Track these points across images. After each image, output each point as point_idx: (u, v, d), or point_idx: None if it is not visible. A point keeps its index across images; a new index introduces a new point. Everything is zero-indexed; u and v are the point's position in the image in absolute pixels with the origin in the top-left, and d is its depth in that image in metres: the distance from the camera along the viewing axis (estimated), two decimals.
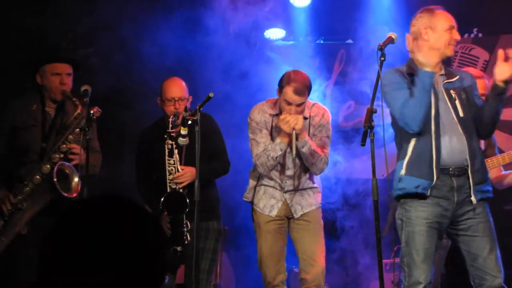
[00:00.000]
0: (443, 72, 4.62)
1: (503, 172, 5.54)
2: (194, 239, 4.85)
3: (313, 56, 8.03)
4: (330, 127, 5.56)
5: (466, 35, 8.12)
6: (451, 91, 4.56)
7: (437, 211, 4.39)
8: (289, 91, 5.28)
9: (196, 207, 4.78)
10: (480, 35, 8.09)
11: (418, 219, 4.36)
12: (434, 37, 4.56)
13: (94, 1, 6.90)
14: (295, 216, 5.47)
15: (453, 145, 4.43)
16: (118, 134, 7.06)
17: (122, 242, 1.77)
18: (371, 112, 4.23)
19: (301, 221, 5.51)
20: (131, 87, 6.95)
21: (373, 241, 4.35)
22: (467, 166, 4.42)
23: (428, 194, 4.37)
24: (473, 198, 4.43)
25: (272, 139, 5.41)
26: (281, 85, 5.32)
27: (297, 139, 5.18)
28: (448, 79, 4.60)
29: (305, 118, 5.43)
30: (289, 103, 5.29)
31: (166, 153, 5.31)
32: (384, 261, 6.90)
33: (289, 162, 5.44)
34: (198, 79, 6.10)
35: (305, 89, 5.32)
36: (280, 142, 5.31)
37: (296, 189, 5.50)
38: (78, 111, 5.09)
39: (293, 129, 5.14)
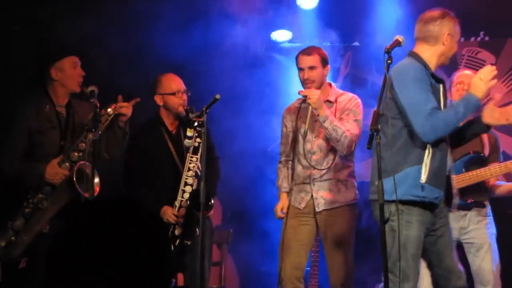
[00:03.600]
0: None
1: (497, 182, 5.54)
2: (200, 239, 4.85)
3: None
4: (359, 112, 5.52)
5: (472, 38, 8.11)
6: None
7: (430, 216, 4.41)
8: (298, 56, 5.52)
9: (202, 209, 4.79)
10: (486, 38, 8.07)
11: (418, 223, 4.34)
12: (450, 45, 4.56)
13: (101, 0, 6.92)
14: (317, 209, 5.43)
15: (447, 154, 4.48)
16: None
17: (130, 244, 1.78)
18: (377, 115, 4.21)
19: (329, 218, 5.44)
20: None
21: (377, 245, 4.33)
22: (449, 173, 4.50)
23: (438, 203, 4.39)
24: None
25: (297, 124, 5.52)
26: (296, 63, 5.53)
27: (318, 114, 5.23)
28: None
29: (330, 102, 5.48)
30: (301, 69, 5.46)
31: (191, 150, 5.31)
32: None
33: (314, 146, 5.50)
34: (203, 80, 6.11)
35: (314, 50, 5.53)
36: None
37: (321, 181, 5.47)
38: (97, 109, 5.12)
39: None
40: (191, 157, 5.31)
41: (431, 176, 4.31)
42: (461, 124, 4.48)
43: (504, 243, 5.62)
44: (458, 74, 5.65)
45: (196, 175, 5.33)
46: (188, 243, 5.21)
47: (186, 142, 5.05)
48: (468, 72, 5.62)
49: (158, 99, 5.59)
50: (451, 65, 7.81)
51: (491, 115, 4.52)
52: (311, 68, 5.44)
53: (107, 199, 1.88)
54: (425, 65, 4.48)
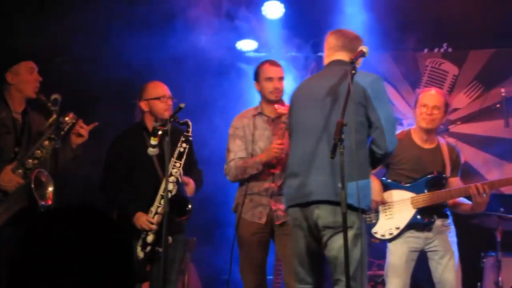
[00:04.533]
0: None
1: (460, 200, 5.60)
2: (163, 250, 4.82)
3: (285, 68, 8.05)
4: None
5: (436, 50, 8.19)
6: None
7: None
8: (266, 66, 5.59)
9: (165, 219, 4.76)
10: (450, 49, 8.17)
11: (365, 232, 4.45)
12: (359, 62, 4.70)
13: (69, 3, 6.89)
14: (276, 222, 5.47)
15: None
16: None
17: (91, 252, 1.77)
18: (341, 125, 4.22)
19: (284, 232, 5.45)
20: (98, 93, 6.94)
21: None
22: None
23: None
24: None
25: (254, 139, 5.51)
26: (257, 71, 5.61)
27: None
28: None
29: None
30: (270, 78, 5.53)
31: (175, 155, 5.30)
32: None
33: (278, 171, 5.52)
34: (169, 88, 6.09)
35: (279, 63, 5.65)
36: (260, 162, 5.36)
37: (280, 195, 5.46)
38: (54, 117, 5.08)
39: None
40: (175, 162, 5.30)
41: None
42: None
43: (465, 252, 5.67)
44: (422, 93, 5.67)
45: (177, 182, 5.31)
46: (160, 250, 5.18)
47: (150, 150, 5.02)
48: (432, 92, 5.65)
49: (143, 105, 5.56)
50: (415, 76, 7.93)
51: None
52: (281, 79, 5.53)
53: (67, 206, 1.87)
54: None
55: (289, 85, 5.69)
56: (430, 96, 5.58)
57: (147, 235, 5.25)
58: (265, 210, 5.50)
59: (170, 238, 5.04)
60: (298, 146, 4.58)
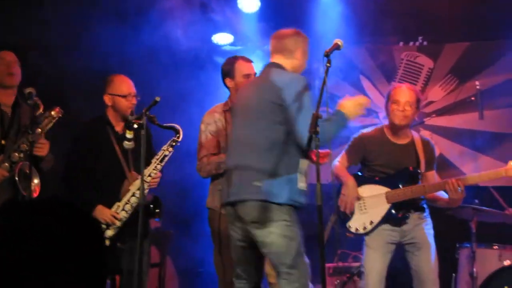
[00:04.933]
0: None
1: (438, 194, 5.62)
2: (138, 242, 4.81)
3: (261, 61, 8.06)
4: None
5: (411, 43, 8.24)
6: None
7: None
8: (242, 63, 5.57)
9: (141, 210, 4.76)
10: (425, 43, 8.21)
11: (297, 224, 4.59)
12: (302, 62, 4.94)
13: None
14: None
15: None
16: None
17: (61, 244, 1.77)
18: (316, 117, 4.26)
19: None
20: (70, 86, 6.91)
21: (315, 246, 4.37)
22: None
23: None
24: None
25: (227, 133, 5.48)
26: (232, 68, 5.54)
27: None
28: None
29: None
30: (248, 75, 5.51)
31: (159, 158, 5.36)
32: (327, 265, 6.96)
33: None
34: (144, 82, 6.06)
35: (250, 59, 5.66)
36: None
37: None
38: (41, 110, 5.07)
39: None
40: (157, 164, 5.32)
41: (306, 183, 4.64)
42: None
43: (440, 243, 5.71)
44: (394, 89, 5.68)
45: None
46: (120, 245, 5.19)
47: (126, 144, 5.00)
48: (404, 88, 5.66)
49: (107, 99, 5.53)
50: (390, 69, 7.97)
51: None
52: (254, 75, 5.54)
53: (40, 199, 1.87)
54: None
55: None
56: (402, 92, 5.59)
57: (107, 229, 5.27)
58: None
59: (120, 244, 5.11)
60: (229, 148, 4.96)
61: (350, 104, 4.70)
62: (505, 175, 5.36)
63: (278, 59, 4.83)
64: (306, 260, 4.62)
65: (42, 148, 5.20)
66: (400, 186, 5.49)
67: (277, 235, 4.51)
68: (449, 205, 5.60)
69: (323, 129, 4.29)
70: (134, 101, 5.52)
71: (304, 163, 4.60)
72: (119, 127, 5.57)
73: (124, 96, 5.48)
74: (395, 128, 5.60)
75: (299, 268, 4.55)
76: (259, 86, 4.79)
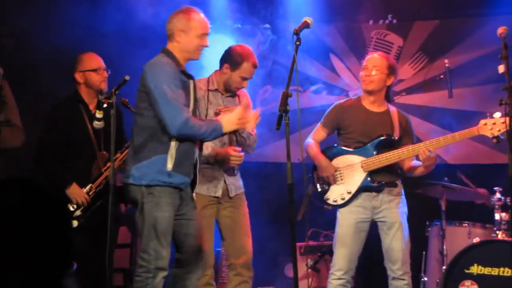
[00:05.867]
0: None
1: (413, 163, 5.62)
2: (108, 224, 4.79)
3: (230, 40, 8.03)
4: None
5: (381, 21, 8.23)
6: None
7: (178, 199, 4.79)
8: (249, 66, 5.48)
9: (111, 191, 4.74)
10: (394, 21, 8.21)
11: (167, 205, 4.69)
12: (186, 40, 4.81)
13: None
14: (230, 195, 5.55)
15: (195, 146, 4.86)
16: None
17: (27, 226, 1.74)
18: (286, 96, 4.27)
19: (233, 205, 5.60)
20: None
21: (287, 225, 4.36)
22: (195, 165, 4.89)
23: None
24: (194, 194, 4.94)
25: (207, 114, 5.44)
26: (236, 62, 5.45)
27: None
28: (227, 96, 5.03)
29: (235, 95, 5.54)
30: (245, 78, 5.48)
31: None
32: (298, 244, 6.98)
33: (227, 142, 5.55)
34: (114, 61, 6.01)
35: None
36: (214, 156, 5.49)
37: (231, 170, 5.59)
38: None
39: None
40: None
41: (177, 164, 4.66)
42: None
43: (410, 221, 5.73)
44: (366, 56, 5.72)
45: None
46: (81, 222, 5.24)
47: (96, 124, 4.98)
48: (375, 55, 5.67)
49: (78, 77, 5.60)
50: (360, 47, 7.97)
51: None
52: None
53: (7, 178, 1.84)
54: (176, 62, 4.76)
55: None
56: (370, 58, 5.62)
57: (77, 209, 5.27)
58: (220, 183, 5.52)
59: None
60: None
61: (230, 119, 4.77)
62: (478, 133, 5.36)
63: (169, 44, 4.87)
64: (163, 247, 4.67)
65: None
66: (375, 153, 5.49)
67: (138, 217, 4.71)
68: (425, 171, 5.58)
69: (197, 128, 4.61)
70: (105, 74, 5.60)
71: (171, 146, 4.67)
72: (92, 105, 5.60)
73: (94, 70, 5.56)
74: (368, 96, 5.59)
75: (149, 252, 4.65)
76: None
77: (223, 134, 4.82)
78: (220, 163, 5.47)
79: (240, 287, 5.55)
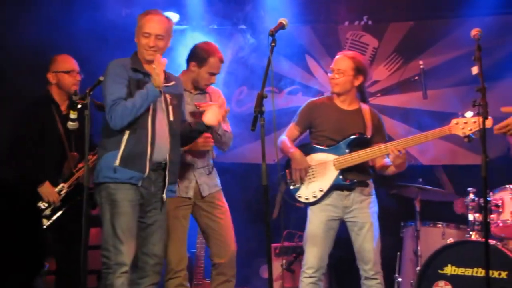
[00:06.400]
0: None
1: (386, 162, 5.63)
2: (83, 225, 4.77)
3: (207, 40, 8.02)
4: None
5: (356, 22, 8.25)
6: (167, 95, 4.98)
7: (137, 195, 4.83)
8: (216, 61, 5.52)
9: (85, 194, 4.72)
10: (370, 22, 8.23)
11: (125, 202, 4.75)
12: (139, 40, 4.97)
13: None
14: (203, 194, 5.53)
15: (161, 143, 4.86)
16: None
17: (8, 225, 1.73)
18: (261, 97, 4.28)
19: (209, 204, 5.59)
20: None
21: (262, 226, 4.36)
22: (165, 164, 4.90)
23: (140, 184, 4.81)
24: (164, 196, 4.95)
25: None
26: (203, 58, 5.49)
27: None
28: (166, 83, 4.92)
29: (205, 93, 5.54)
30: (213, 74, 5.50)
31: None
32: (273, 245, 6.99)
33: None
34: (88, 62, 5.99)
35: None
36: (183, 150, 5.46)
37: (203, 169, 5.59)
38: None
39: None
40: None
41: (124, 159, 4.74)
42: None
43: (385, 222, 5.76)
44: (334, 58, 5.73)
45: None
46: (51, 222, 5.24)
47: (70, 124, 4.96)
48: (340, 56, 5.67)
49: (51, 77, 5.69)
50: (336, 48, 7.99)
51: (211, 117, 5.08)
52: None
53: None
54: (135, 60, 4.92)
55: None
56: (336, 60, 5.65)
57: (46, 208, 5.25)
58: (191, 184, 5.50)
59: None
60: None
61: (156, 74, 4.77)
62: (449, 132, 5.37)
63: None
64: (122, 243, 4.70)
65: None
66: (347, 152, 5.50)
67: (101, 216, 4.81)
68: (396, 170, 5.59)
69: (126, 104, 4.69)
70: (78, 77, 5.68)
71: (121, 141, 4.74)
72: (63, 106, 5.67)
73: (67, 72, 5.64)
74: (338, 96, 5.62)
75: (108, 249, 4.72)
76: None
77: (158, 93, 4.76)
78: (190, 162, 5.48)
79: (222, 286, 5.54)
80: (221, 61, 5.54)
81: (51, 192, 5.31)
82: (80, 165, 5.53)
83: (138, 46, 4.95)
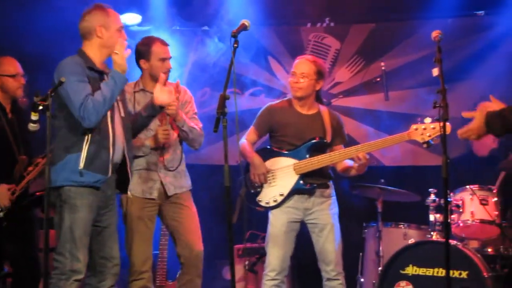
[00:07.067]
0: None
1: (348, 163, 5.64)
2: (44, 227, 4.72)
3: (169, 42, 8.00)
4: (194, 103, 5.69)
5: (318, 24, 8.30)
6: None
7: (98, 200, 4.71)
8: (159, 46, 5.49)
9: (46, 193, 4.68)
10: (332, 24, 8.28)
11: (84, 207, 4.61)
12: (108, 35, 4.78)
13: None
14: (168, 194, 5.50)
15: (119, 142, 4.78)
16: None
17: None
18: (224, 98, 4.27)
19: (177, 205, 5.55)
20: None
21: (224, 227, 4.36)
22: (119, 165, 4.83)
23: (100, 187, 4.71)
24: (129, 193, 4.99)
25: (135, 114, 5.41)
26: (148, 50, 5.47)
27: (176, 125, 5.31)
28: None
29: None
30: (164, 59, 5.47)
31: None
32: (236, 246, 6.99)
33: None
34: (48, 63, 5.94)
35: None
36: (148, 146, 5.45)
37: (169, 169, 5.53)
38: None
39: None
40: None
41: (88, 162, 4.60)
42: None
43: (347, 223, 5.78)
44: (295, 61, 5.73)
45: None
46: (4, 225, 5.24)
47: (31, 126, 4.90)
48: (302, 60, 5.67)
49: None
50: (298, 50, 8.02)
51: (159, 96, 5.02)
52: (170, 59, 5.52)
53: None
54: (86, 59, 4.73)
55: (172, 61, 5.62)
56: (298, 64, 5.63)
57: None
58: (156, 185, 5.48)
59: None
60: None
61: (114, 58, 4.69)
62: (408, 138, 5.40)
63: (84, 44, 4.84)
64: (78, 250, 4.59)
65: None
66: (307, 156, 5.51)
67: (56, 220, 4.66)
68: (357, 173, 5.61)
69: (97, 98, 4.55)
70: (23, 81, 5.63)
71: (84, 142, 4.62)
72: (8, 108, 5.66)
73: (12, 76, 5.58)
74: (298, 101, 5.62)
75: (64, 255, 4.57)
76: None
77: (125, 78, 4.70)
78: (156, 162, 5.46)
79: (186, 286, 5.53)
80: (164, 44, 5.52)
81: (4, 195, 5.28)
82: (29, 168, 5.49)
83: (107, 41, 4.75)
